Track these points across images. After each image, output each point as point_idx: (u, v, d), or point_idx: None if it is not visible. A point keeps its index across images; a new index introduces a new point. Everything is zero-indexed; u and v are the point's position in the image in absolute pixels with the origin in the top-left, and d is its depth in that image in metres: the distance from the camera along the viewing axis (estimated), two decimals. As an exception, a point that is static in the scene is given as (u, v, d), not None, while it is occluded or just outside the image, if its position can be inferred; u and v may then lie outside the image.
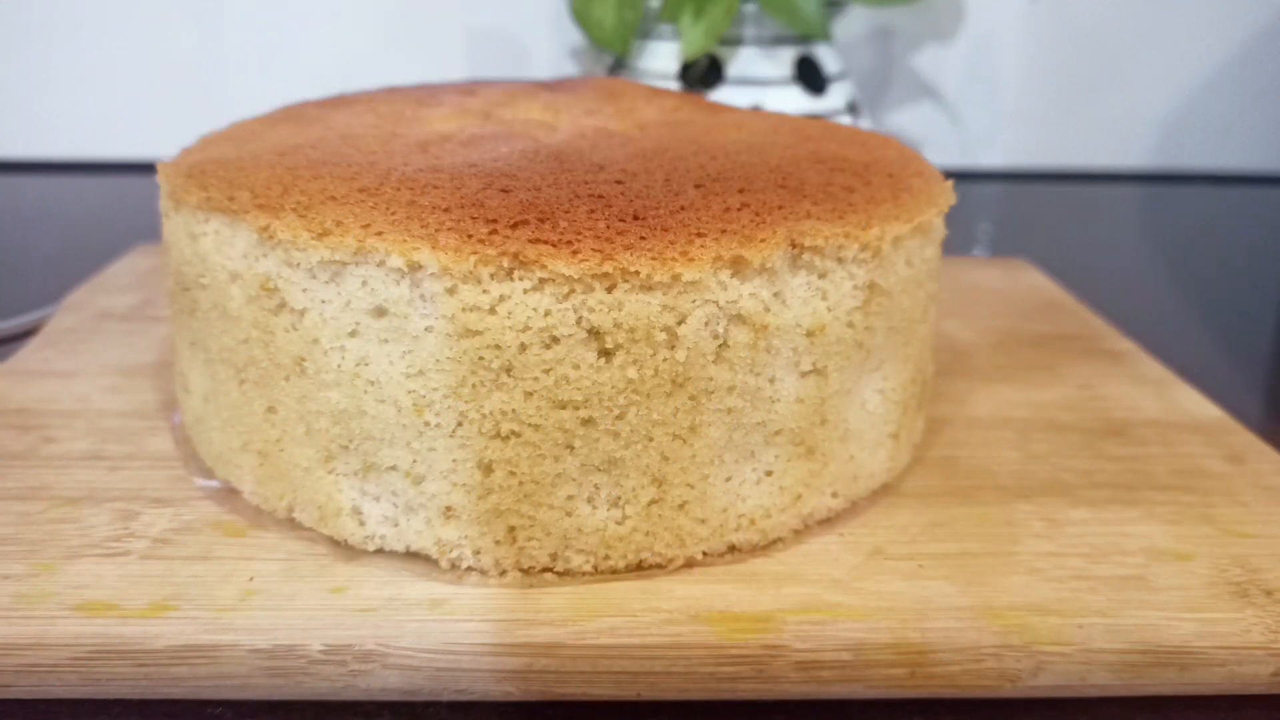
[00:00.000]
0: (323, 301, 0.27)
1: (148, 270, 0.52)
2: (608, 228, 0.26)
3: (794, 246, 0.28)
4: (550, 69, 0.82)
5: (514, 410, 0.27)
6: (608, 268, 0.26)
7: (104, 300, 0.48)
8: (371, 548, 0.29)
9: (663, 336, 0.26)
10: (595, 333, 0.26)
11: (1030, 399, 0.40)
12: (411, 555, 0.29)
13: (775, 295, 0.27)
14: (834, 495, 0.31)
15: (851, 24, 0.81)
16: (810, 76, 0.65)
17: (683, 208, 0.28)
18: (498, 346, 0.26)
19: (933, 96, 0.84)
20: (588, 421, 0.27)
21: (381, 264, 0.26)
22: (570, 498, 0.28)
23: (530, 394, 0.27)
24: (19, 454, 0.34)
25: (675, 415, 0.27)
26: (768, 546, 0.30)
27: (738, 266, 0.27)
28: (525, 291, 0.26)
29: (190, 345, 0.32)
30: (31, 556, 0.28)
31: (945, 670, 0.26)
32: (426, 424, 0.27)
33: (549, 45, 0.81)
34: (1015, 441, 0.37)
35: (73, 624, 0.26)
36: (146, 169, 0.69)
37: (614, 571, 0.29)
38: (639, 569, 0.29)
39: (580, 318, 0.26)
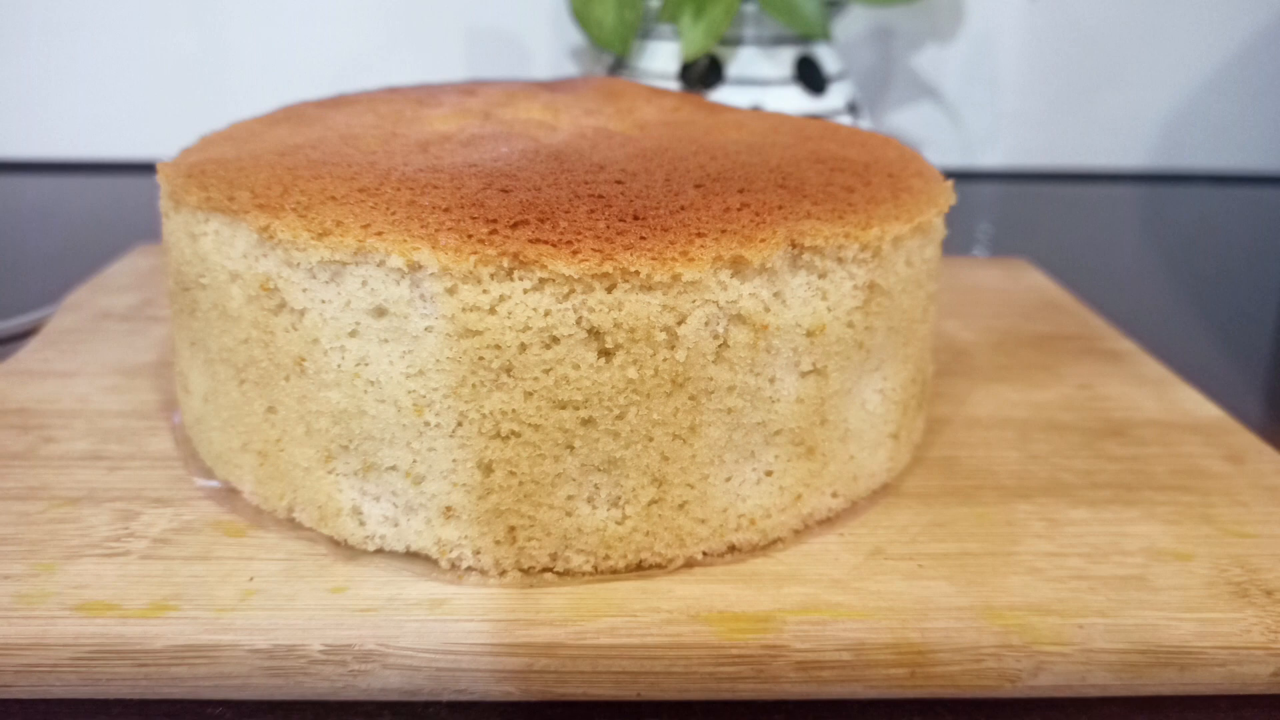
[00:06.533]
0: (323, 301, 0.27)
1: (148, 270, 0.52)
2: (608, 228, 0.26)
3: (794, 246, 0.28)
4: (550, 69, 0.82)
5: (514, 410, 0.27)
6: (608, 268, 0.26)
7: (104, 300, 0.48)
8: (371, 548, 0.29)
9: (663, 336, 0.26)
10: (595, 333, 0.26)
11: (1030, 399, 0.40)
12: (411, 555, 0.29)
13: (775, 295, 0.27)
14: (834, 495, 0.31)
15: (851, 24, 0.81)
16: (810, 76, 0.65)
17: (683, 208, 0.28)
18: (498, 346, 0.26)
19: (933, 96, 0.84)
20: (588, 421, 0.27)
21: (381, 264, 0.26)
22: (570, 498, 0.28)
23: (530, 394, 0.27)
24: (19, 454, 0.34)
25: (675, 415, 0.27)
26: (768, 546, 0.30)
27: (738, 266, 0.27)
28: (525, 291, 0.26)
29: (190, 345, 0.32)
30: (31, 556, 0.29)
31: (945, 670, 0.26)
32: (426, 424, 0.27)
33: (549, 45, 0.81)
34: (1015, 441, 0.37)
35: (73, 624, 0.26)
36: (146, 169, 0.69)
37: (614, 571, 0.29)
38: (639, 569, 0.29)
39: (580, 318, 0.26)
